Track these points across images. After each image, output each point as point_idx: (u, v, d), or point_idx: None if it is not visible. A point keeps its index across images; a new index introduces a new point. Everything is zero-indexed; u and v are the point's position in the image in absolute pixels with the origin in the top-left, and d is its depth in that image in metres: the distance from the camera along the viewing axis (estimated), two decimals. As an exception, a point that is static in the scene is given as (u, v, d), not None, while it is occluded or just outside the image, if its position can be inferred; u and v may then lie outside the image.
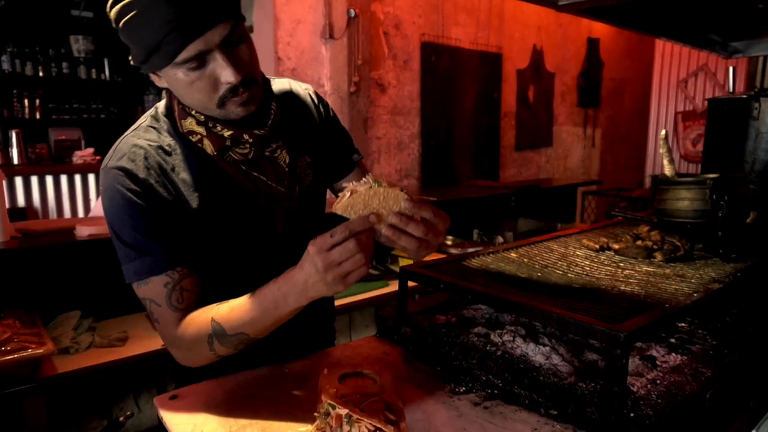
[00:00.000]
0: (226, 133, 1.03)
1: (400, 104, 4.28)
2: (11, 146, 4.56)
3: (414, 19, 4.27)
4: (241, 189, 1.08)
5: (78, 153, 4.70)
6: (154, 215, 1.00)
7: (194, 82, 0.95)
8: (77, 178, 4.51)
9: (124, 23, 0.92)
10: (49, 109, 5.00)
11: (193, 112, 1.03)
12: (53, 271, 2.21)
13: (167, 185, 1.02)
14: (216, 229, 1.07)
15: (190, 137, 1.05)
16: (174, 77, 0.96)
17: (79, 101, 5.17)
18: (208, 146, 1.05)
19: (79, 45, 5.03)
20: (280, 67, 3.54)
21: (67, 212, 4.47)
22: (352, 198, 0.90)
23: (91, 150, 4.73)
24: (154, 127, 1.07)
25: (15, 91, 4.80)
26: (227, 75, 0.94)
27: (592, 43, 6.14)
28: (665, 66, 6.49)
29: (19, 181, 4.30)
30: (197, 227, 1.05)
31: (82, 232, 2.15)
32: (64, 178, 4.47)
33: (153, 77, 1.01)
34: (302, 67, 3.62)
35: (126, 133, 1.07)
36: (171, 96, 1.06)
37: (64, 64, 5.01)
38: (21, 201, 4.31)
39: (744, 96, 1.99)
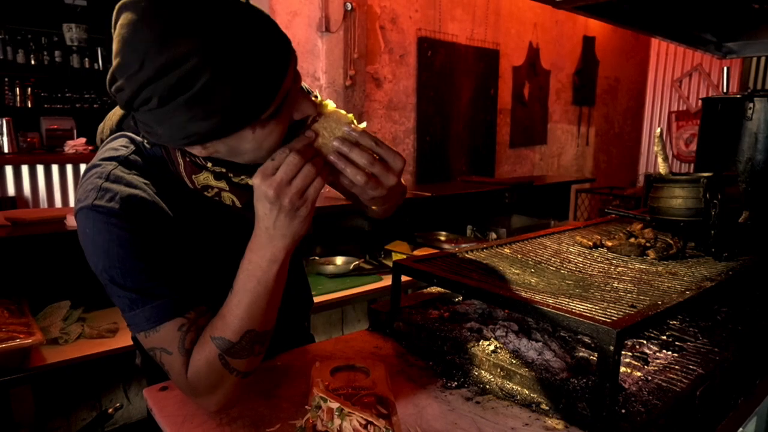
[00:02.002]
0: (251, 182, 0.86)
1: (395, 99, 4.27)
2: (2, 135, 4.51)
3: (410, 14, 4.25)
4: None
5: (70, 143, 4.66)
6: (160, 252, 0.86)
7: (272, 133, 0.80)
8: (69, 167, 4.46)
9: (196, 92, 0.70)
10: (41, 98, 4.94)
11: (209, 165, 0.87)
12: (43, 261, 2.20)
13: (167, 229, 0.89)
14: (214, 264, 0.95)
15: (206, 192, 0.91)
16: (240, 138, 0.79)
17: (72, 90, 5.11)
18: (228, 199, 0.91)
19: (72, 33, 4.98)
20: (275, 59, 3.52)
21: (58, 202, 4.43)
22: None
23: (83, 140, 4.68)
24: (142, 165, 0.90)
25: (6, 79, 4.74)
26: (306, 108, 0.83)
27: (588, 41, 6.15)
28: (660, 65, 6.52)
29: (9, 170, 4.26)
30: (198, 265, 0.93)
31: (73, 221, 2.14)
32: (55, 168, 4.42)
33: (195, 149, 0.81)
34: (298, 59, 3.60)
35: (102, 164, 0.88)
36: (170, 151, 0.90)
37: (57, 53, 4.96)
38: (11, 190, 4.27)
39: (738, 96, 2.00)
